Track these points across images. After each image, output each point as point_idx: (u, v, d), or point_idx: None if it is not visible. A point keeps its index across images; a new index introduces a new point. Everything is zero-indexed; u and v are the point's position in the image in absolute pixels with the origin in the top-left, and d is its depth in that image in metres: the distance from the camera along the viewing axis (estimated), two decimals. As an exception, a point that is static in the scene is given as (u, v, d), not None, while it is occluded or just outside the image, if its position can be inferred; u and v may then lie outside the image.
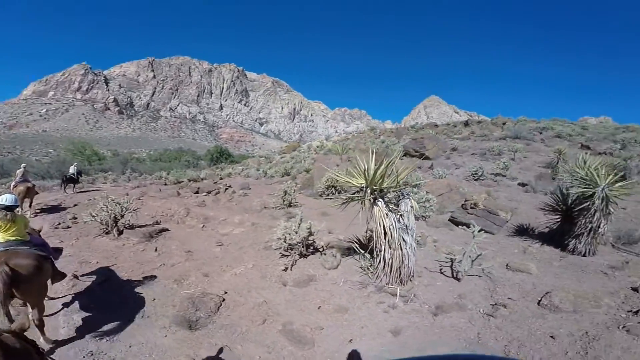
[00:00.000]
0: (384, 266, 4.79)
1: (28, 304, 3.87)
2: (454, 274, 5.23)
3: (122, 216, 7.85)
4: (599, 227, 5.90)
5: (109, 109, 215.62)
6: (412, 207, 4.90)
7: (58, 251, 5.16)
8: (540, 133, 26.76)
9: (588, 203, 5.92)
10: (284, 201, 10.29)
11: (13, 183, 10.81)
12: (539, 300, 4.45)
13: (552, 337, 3.71)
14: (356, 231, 7.39)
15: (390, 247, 4.63)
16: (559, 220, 6.92)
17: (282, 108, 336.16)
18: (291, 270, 5.58)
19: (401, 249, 4.63)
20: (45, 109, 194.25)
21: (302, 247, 5.81)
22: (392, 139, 31.68)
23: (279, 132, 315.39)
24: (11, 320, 3.33)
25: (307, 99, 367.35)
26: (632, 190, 6.64)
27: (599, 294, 4.55)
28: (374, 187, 4.72)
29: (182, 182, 20.35)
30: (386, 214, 4.64)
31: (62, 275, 4.76)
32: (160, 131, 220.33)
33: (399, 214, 4.79)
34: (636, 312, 3.97)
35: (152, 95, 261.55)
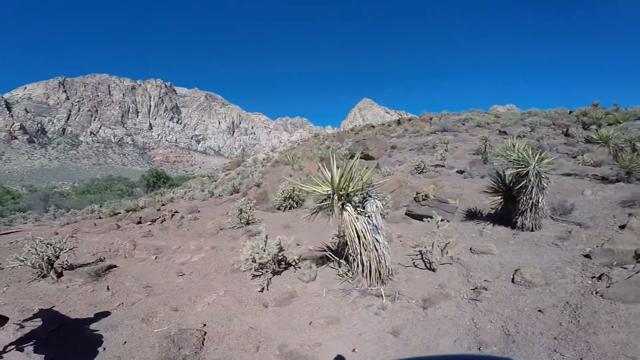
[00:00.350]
0: (362, 269, 4.84)
1: None
2: (428, 265, 5.47)
3: (57, 257, 6.87)
4: (538, 202, 6.56)
5: (15, 138, 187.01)
6: (377, 207, 5.06)
7: None
8: (463, 124, 29.76)
9: (525, 181, 6.58)
10: (240, 220, 9.93)
11: None
12: (512, 278, 4.73)
13: (539, 311, 3.94)
14: (322, 239, 7.45)
15: (365, 250, 4.71)
16: (501, 200, 7.57)
17: (219, 123, 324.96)
18: (268, 289, 5.35)
19: (377, 250, 4.73)
20: None
21: (274, 264, 5.65)
22: (337, 144, 32.66)
23: (219, 149, 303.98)
24: None
25: (246, 112, 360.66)
26: (554, 166, 7.44)
27: (560, 265, 4.98)
28: (341, 193, 4.78)
29: (119, 213, 18.48)
30: (356, 218, 4.73)
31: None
32: (83, 159, 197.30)
33: (367, 215, 4.92)
34: (599, 277, 4.34)
35: (68, 118, 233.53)
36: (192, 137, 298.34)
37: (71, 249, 7.35)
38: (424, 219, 7.89)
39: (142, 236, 9.86)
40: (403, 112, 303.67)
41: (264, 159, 49.51)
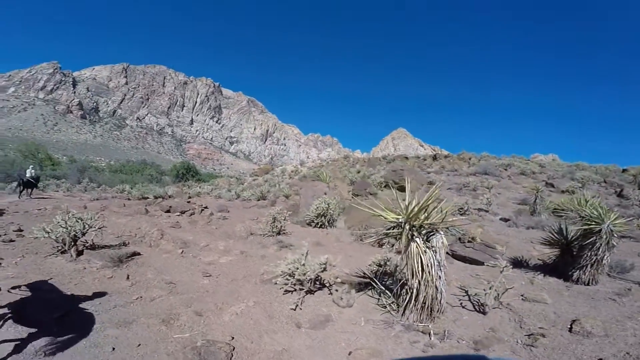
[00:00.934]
0: (414, 304, 4.36)
1: None
2: (478, 307, 5.11)
3: (84, 234, 6.51)
4: (602, 259, 6.38)
5: (71, 112, 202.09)
6: (442, 243, 4.46)
7: None
8: (506, 169, 28.21)
9: (594, 238, 6.41)
10: (272, 228, 9.38)
11: None
12: (570, 328, 4.57)
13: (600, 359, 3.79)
14: (357, 264, 6.74)
15: (425, 285, 4.22)
16: (557, 253, 7.42)
17: (254, 129, 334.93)
18: (301, 308, 4.76)
19: (436, 287, 4.26)
20: (1, 106, 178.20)
21: (312, 283, 4.99)
22: (369, 169, 31.92)
23: (250, 153, 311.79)
24: None
25: (282, 122, 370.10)
26: (629, 227, 7.29)
27: (620, 319, 4.86)
28: (414, 223, 4.13)
29: (148, 198, 18.57)
30: (424, 251, 4.11)
31: None
32: (124, 141, 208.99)
33: (433, 249, 4.28)
34: (659, 333, 4.15)
35: (121, 102, 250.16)
36: (226, 138, 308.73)
37: (99, 228, 7.00)
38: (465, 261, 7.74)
39: (170, 226, 9.49)
40: (437, 147, 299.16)
41: (292, 172, 49.70)
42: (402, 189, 19.82)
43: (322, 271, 5.03)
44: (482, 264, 7.68)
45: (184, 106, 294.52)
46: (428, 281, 4.20)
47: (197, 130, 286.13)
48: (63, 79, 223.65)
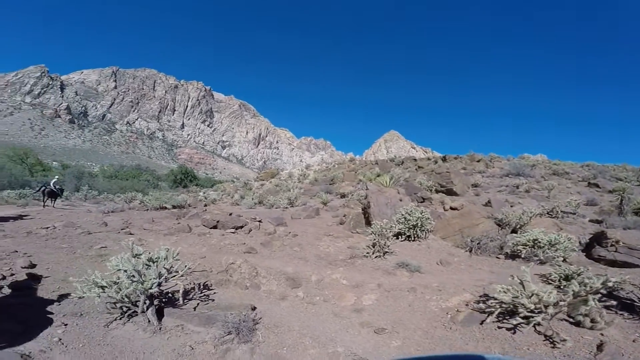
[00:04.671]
0: None
1: None
2: None
3: (159, 284, 4.44)
4: None
5: (59, 117, 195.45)
6: None
7: None
8: (531, 169, 26.90)
9: None
10: (374, 247, 7.51)
11: None
12: None
13: None
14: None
15: None
16: None
17: (247, 132, 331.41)
18: None
19: None
20: None
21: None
22: (397, 171, 29.95)
23: (242, 157, 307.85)
24: None
25: (274, 126, 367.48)
26: None
27: None
28: None
29: (166, 208, 16.38)
30: None
31: None
32: (114, 145, 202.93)
33: None
34: None
35: (110, 106, 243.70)
36: (218, 142, 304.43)
37: (187, 271, 4.91)
38: (627, 265, 6.82)
39: (245, 252, 7.45)
40: (429, 149, 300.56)
41: (300, 175, 47.60)
42: (449, 192, 18.12)
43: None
44: (636, 266, 6.64)
45: (175, 110, 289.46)
46: None
47: (188, 135, 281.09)
48: (51, 82, 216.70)
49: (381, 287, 5.56)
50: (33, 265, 6.06)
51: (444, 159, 38.19)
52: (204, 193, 36.23)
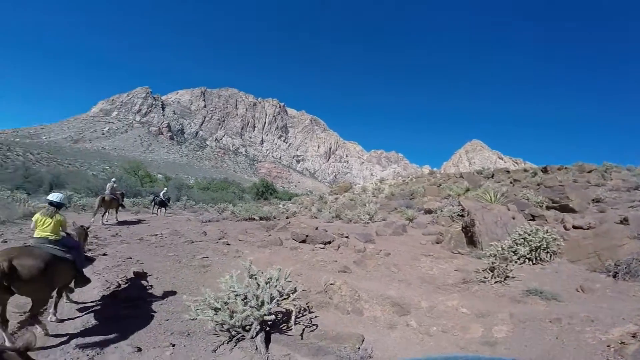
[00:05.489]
0: None
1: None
2: None
3: (277, 303, 4.17)
4: None
5: (162, 134, 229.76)
6: None
7: (90, 260, 5.87)
8: None
9: None
10: (492, 270, 6.39)
11: (101, 195, 13.14)
12: None
13: None
14: None
15: None
16: None
17: (318, 147, 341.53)
18: None
19: None
20: (108, 128, 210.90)
21: None
22: (489, 185, 26.82)
23: (315, 171, 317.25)
24: (4, 321, 3.62)
25: (343, 139, 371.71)
26: None
27: None
28: None
29: (254, 219, 17.15)
30: None
31: (87, 281, 4.82)
32: (205, 160, 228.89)
33: None
34: None
35: (202, 124, 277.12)
36: (293, 157, 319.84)
37: (298, 296, 4.58)
38: None
39: (339, 271, 7.03)
40: (520, 159, 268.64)
41: (374, 189, 46.24)
42: (564, 208, 15.27)
43: None
44: None
45: (255, 127, 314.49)
46: None
47: (267, 150, 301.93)
48: (154, 102, 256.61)
49: (514, 317, 4.56)
50: (144, 274, 6.47)
51: (544, 171, 33.12)
52: (284, 205, 37.63)
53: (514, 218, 9.51)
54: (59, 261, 4.16)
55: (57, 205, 4.58)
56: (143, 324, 4.40)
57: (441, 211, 16.57)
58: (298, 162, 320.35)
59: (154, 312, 4.80)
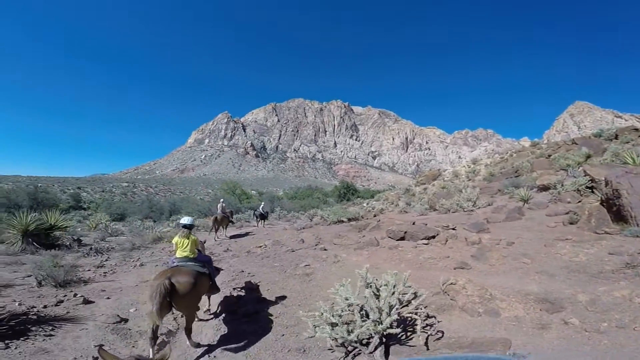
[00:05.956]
0: None
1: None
2: None
3: (403, 308, 3.71)
4: None
5: (248, 153, 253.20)
6: None
7: (218, 270, 6.36)
8: None
9: None
10: None
11: (214, 215, 14.94)
12: None
13: None
14: None
15: None
16: None
17: (393, 139, 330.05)
18: None
19: None
20: (204, 155, 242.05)
21: None
22: (614, 147, 21.79)
23: (393, 165, 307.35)
24: (155, 337, 3.92)
25: (419, 126, 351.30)
26: None
27: None
28: None
29: (343, 221, 17.04)
30: None
31: (217, 289, 5.43)
32: (288, 171, 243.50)
33: None
34: None
35: (279, 138, 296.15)
36: (368, 154, 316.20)
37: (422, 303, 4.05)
38: None
39: (455, 268, 6.24)
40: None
41: (468, 172, 41.86)
42: None
43: None
44: None
45: (326, 131, 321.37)
46: None
47: (341, 151, 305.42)
48: (235, 125, 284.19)
49: None
50: (257, 287, 6.69)
51: None
52: (368, 204, 36.95)
53: None
54: (201, 275, 4.68)
55: (189, 227, 5.11)
56: (262, 340, 4.46)
57: (562, 186, 13.84)
58: (374, 158, 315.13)
59: (271, 326, 4.83)
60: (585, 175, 13.57)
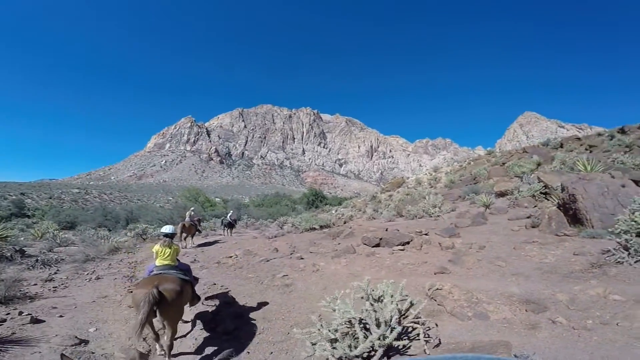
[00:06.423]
0: None
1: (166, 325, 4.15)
2: None
3: (406, 318, 3.61)
4: None
5: (212, 159, 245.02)
6: None
7: (196, 279, 5.99)
8: None
9: None
10: (626, 249, 5.33)
11: (182, 222, 14.31)
12: None
13: None
14: None
15: None
16: None
17: (359, 147, 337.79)
18: None
19: None
20: (164, 161, 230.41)
21: None
22: (560, 155, 23.92)
23: (359, 172, 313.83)
24: (158, 336, 4.24)
25: (384, 135, 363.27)
26: None
27: None
28: None
29: (315, 229, 16.91)
30: None
31: (198, 299, 5.38)
32: (254, 178, 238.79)
33: None
34: None
35: (245, 144, 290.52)
36: (335, 161, 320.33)
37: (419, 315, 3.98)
38: None
39: (435, 273, 6.30)
40: (585, 124, 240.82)
41: (430, 179, 43.67)
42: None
43: None
44: None
45: (294, 138, 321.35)
46: None
47: (309, 159, 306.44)
48: (199, 130, 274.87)
49: None
50: (233, 300, 6.31)
51: (622, 132, 28.67)
52: (337, 211, 37.11)
53: (623, 186, 7.95)
54: (185, 283, 4.64)
55: (171, 236, 5.11)
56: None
57: (519, 192, 14.83)
58: (341, 165, 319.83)
59: (255, 344, 4.51)
60: (539, 182, 14.66)
